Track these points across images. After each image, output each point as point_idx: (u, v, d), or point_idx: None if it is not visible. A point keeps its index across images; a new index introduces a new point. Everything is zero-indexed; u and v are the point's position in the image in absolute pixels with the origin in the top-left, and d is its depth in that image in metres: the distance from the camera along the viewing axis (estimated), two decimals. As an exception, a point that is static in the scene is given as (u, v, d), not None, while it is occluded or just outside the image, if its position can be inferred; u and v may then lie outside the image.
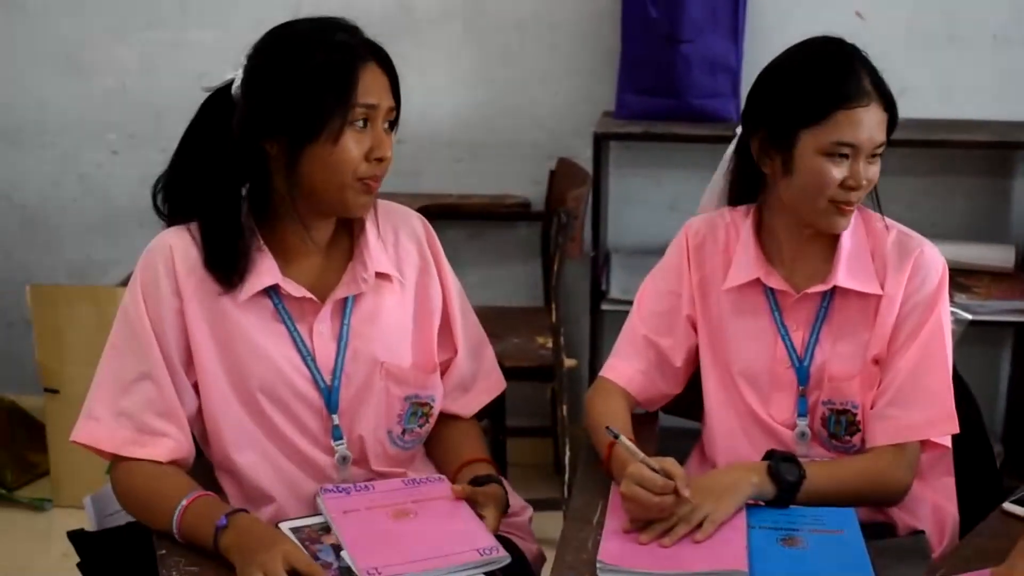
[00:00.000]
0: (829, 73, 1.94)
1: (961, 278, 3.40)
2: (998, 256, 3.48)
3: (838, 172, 1.93)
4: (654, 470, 1.78)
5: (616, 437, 1.87)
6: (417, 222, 2.06)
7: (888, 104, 1.96)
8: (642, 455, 1.82)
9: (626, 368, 2.12)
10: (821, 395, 2.03)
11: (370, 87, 1.83)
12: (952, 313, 2.44)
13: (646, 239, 3.60)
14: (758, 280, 2.06)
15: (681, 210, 3.45)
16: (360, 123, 1.82)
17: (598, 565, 1.69)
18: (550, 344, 3.30)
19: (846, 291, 2.02)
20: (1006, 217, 3.61)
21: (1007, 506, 1.88)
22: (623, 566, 1.69)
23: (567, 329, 3.54)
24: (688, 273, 2.12)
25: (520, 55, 3.67)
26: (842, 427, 2.02)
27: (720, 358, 2.10)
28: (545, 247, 3.65)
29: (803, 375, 2.03)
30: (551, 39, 3.65)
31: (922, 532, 2.00)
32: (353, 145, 1.82)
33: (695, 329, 2.12)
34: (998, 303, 3.34)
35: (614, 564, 1.69)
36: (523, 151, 3.71)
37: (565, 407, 3.31)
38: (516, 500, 2.05)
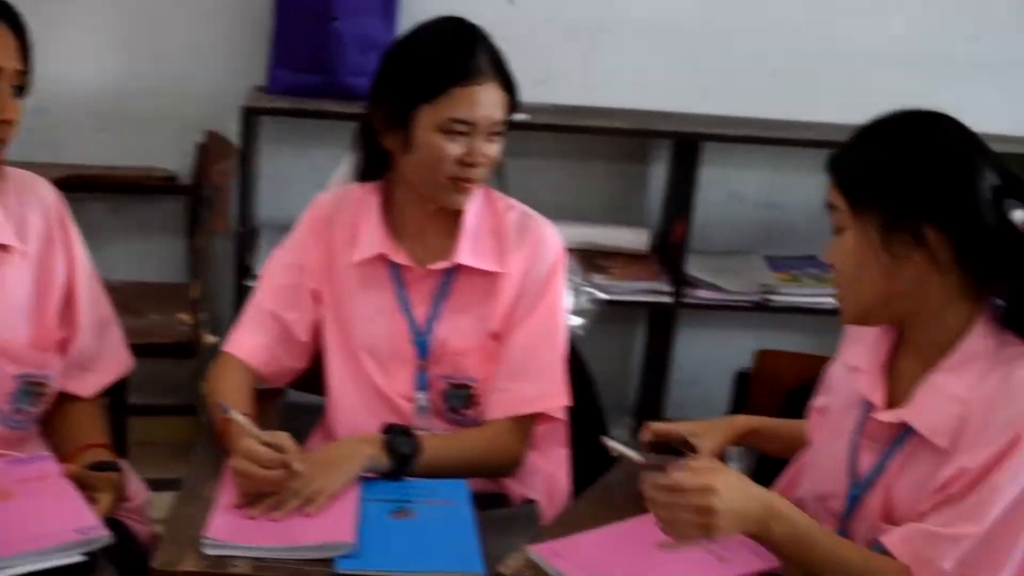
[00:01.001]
0: (446, 50, 1.97)
1: (598, 259, 3.53)
2: (633, 238, 3.60)
3: (455, 149, 1.96)
4: (268, 444, 1.77)
5: (227, 412, 1.84)
6: (46, 191, 1.98)
7: (507, 84, 2.00)
8: (255, 430, 1.80)
9: (249, 342, 2.09)
10: (441, 369, 2.06)
11: None
12: (588, 293, 2.54)
13: (296, 215, 3.53)
14: (384, 255, 2.07)
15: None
16: None
17: (204, 541, 1.66)
18: (192, 321, 3.23)
19: (468, 268, 2.06)
20: (641, 202, 3.76)
21: (607, 440, 1.89)
22: (231, 541, 1.66)
23: (212, 306, 3.47)
24: (313, 247, 2.12)
25: (171, 25, 3.54)
26: (461, 401, 2.07)
27: (344, 332, 2.10)
28: (191, 222, 3.56)
29: (423, 349, 2.06)
30: (202, 10, 3.53)
31: (534, 501, 2.07)
32: None
33: (320, 303, 2.12)
34: (632, 284, 3.47)
35: (222, 540, 1.66)
36: (171, 124, 3.58)
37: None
38: (133, 483, 2.00)
